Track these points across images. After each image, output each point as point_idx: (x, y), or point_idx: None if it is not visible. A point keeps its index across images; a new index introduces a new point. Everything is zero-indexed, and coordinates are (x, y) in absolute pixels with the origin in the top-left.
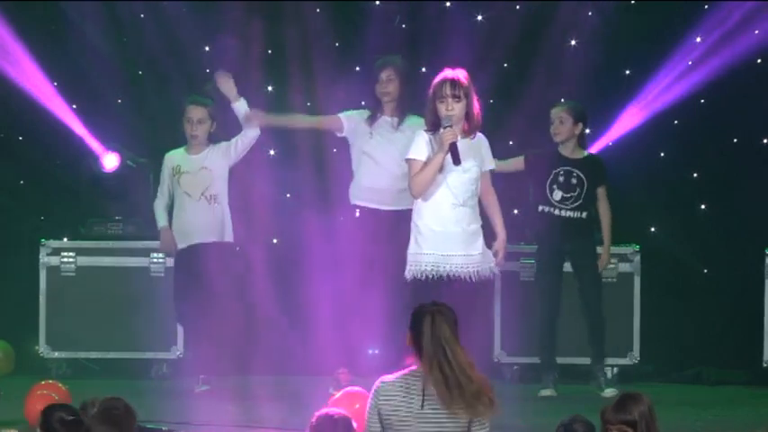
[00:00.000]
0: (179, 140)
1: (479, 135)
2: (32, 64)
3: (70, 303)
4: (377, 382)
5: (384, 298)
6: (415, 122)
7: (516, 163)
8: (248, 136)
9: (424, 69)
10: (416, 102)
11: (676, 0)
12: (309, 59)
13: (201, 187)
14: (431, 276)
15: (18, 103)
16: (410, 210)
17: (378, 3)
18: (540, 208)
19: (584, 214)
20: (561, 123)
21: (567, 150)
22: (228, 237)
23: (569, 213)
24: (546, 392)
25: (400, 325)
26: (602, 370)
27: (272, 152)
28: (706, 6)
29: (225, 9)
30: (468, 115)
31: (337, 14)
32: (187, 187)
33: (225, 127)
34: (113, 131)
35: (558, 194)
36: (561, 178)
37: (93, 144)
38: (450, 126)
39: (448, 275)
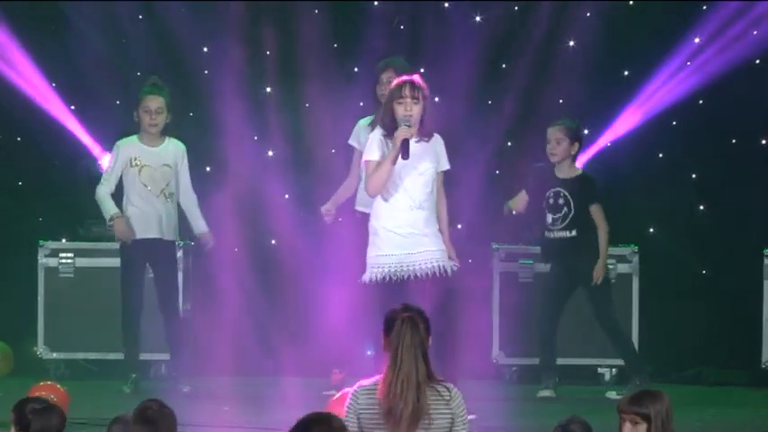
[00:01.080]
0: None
1: (435, 136)
2: (31, 65)
3: (68, 304)
4: (355, 385)
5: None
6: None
7: (523, 199)
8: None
9: (422, 70)
10: None
11: (675, 0)
12: (308, 60)
13: (162, 184)
14: (394, 278)
15: (16, 104)
16: None
17: (376, 4)
18: (543, 233)
19: (574, 232)
20: (558, 144)
21: (562, 170)
22: (176, 236)
23: (560, 234)
24: (545, 393)
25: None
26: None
27: (270, 153)
28: (704, 7)
29: (223, 10)
30: (422, 118)
31: (336, 15)
32: (147, 181)
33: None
34: (111, 132)
35: (549, 217)
36: (551, 200)
37: (92, 145)
38: (408, 126)
39: (415, 275)
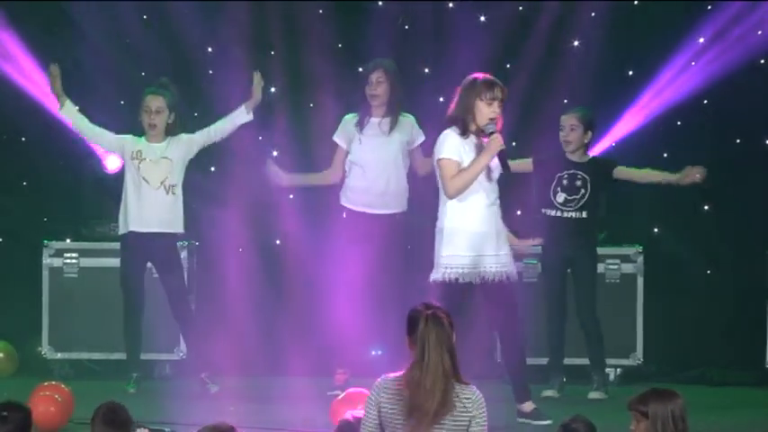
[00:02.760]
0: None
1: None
2: (35, 65)
3: (73, 304)
4: (380, 378)
5: (379, 299)
6: (407, 120)
7: (524, 165)
8: (234, 123)
9: (427, 70)
10: (408, 103)
11: (679, 0)
12: (312, 61)
13: (161, 176)
14: (464, 280)
15: (21, 105)
16: (397, 213)
17: (380, 4)
18: (544, 211)
19: (585, 213)
20: (572, 131)
21: (575, 156)
22: (180, 228)
23: (571, 214)
24: (548, 393)
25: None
26: (600, 373)
27: (275, 153)
28: (709, 7)
29: (228, 10)
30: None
31: (340, 15)
32: (146, 174)
33: (183, 120)
34: (116, 132)
35: (561, 197)
36: (565, 181)
37: (95, 145)
38: (494, 132)
39: (482, 277)
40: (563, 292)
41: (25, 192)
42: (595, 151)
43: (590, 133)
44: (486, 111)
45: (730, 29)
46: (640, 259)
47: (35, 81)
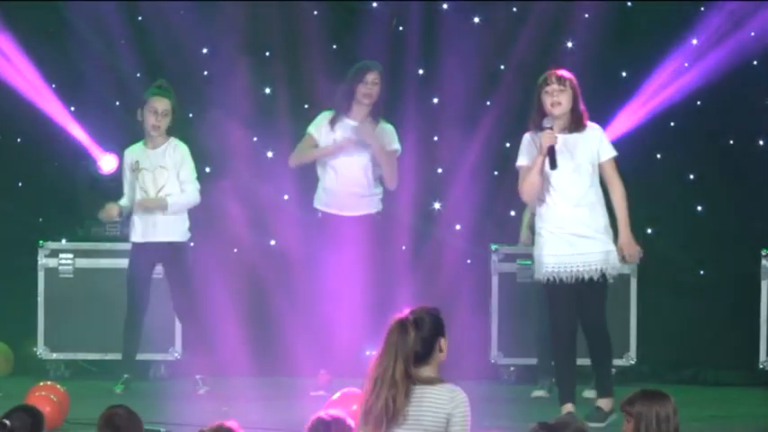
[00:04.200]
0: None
1: (591, 125)
2: (30, 66)
3: (68, 305)
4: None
5: (352, 300)
6: (386, 128)
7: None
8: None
9: (420, 71)
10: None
11: (673, 1)
12: (307, 62)
13: (158, 185)
14: (554, 279)
15: (16, 105)
16: (370, 215)
17: (374, 5)
18: None
19: None
20: None
21: None
22: (182, 236)
23: None
24: (538, 393)
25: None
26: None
27: (269, 154)
28: (702, 8)
29: (223, 11)
30: (573, 107)
31: (334, 17)
32: (144, 184)
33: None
34: (111, 133)
35: None
36: None
37: (92, 146)
38: (551, 128)
39: (574, 278)
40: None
41: (20, 192)
42: None
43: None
44: (547, 101)
45: (723, 30)
46: None
47: (30, 82)
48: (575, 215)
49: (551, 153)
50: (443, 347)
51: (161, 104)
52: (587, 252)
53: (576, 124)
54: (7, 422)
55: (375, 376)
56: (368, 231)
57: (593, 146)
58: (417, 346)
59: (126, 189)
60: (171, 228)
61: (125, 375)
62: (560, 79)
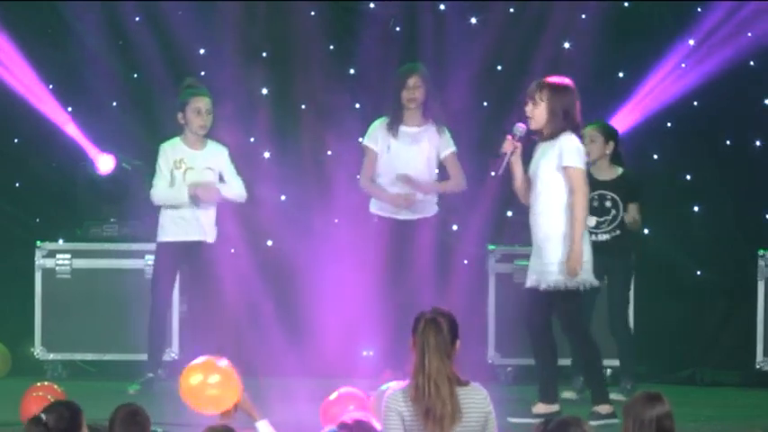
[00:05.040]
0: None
1: (563, 135)
2: (28, 66)
3: (66, 305)
4: (389, 390)
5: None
6: (444, 132)
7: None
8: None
9: None
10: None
11: (670, 1)
12: (304, 62)
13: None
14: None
15: (13, 106)
16: (425, 218)
17: (372, 5)
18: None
19: (619, 231)
20: (592, 142)
21: (601, 170)
22: (214, 237)
23: (604, 237)
24: (567, 394)
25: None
26: (627, 377)
27: (266, 154)
28: (699, 9)
29: (220, 12)
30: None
31: (332, 17)
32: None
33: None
34: (109, 134)
35: (592, 220)
36: (596, 203)
37: (89, 146)
38: (513, 136)
39: (540, 285)
40: (591, 305)
41: (18, 193)
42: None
43: (612, 143)
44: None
45: (720, 30)
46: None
47: (28, 83)
48: (533, 223)
49: (504, 159)
50: (457, 346)
51: (204, 104)
52: (544, 262)
53: (554, 132)
54: (43, 416)
55: (430, 379)
56: (426, 233)
57: (556, 154)
58: (449, 344)
59: (162, 181)
60: (204, 227)
61: (149, 374)
62: (535, 92)
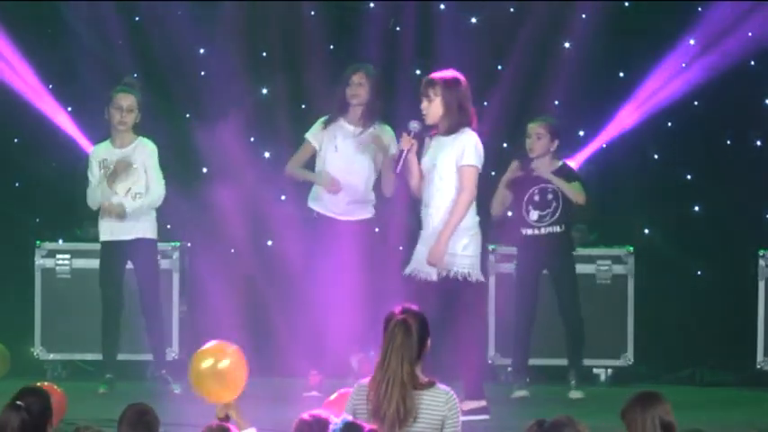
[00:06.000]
0: (174, 143)
1: (460, 131)
2: (27, 66)
3: (65, 305)
4: (355, 384)
5: (345, 302)
6: (385, 131)
7: (504, 197)
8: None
9: (418, 72)
10: (399, 105)
11: (670, 1)
12: (303, 62)
13: (128, 184)
14: (411, 275)
15: (13, 106)
16: (365, 220)
17: (371, 5)
18: (521, 230)
19: (562, 227)
20: (538, 139)
21: (542, 165)
22: (152, 233)
23: (547, 230)
24: (520, 393)
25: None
26: (575, 373)
27: (267, 154)
28: (699, 8)
29: (220, 12)
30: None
31: (331, 17)
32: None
33: (149, 119)
34: (108, 134)
35: (534, 214)
36: (537, 197)
37: (89, 146)
38: (409, 133)
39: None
40: (533, 299)
41: (17, 193)
42: (586, 153)
43: (557, 142)
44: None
45: (720, 30)
46: (631, 260)
47: (28, 82)
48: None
49: (402, 157)
50: (428, 345)
51: (125, 100)
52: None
53: (451, 127)
54: (21, 403)
55: (384, 379)
56: (363, 236)
57: (457, 151)
58: (416, 346)
59: (91, 187)
60: (138, 225)
61: (108, 375)
62: (428, 89)
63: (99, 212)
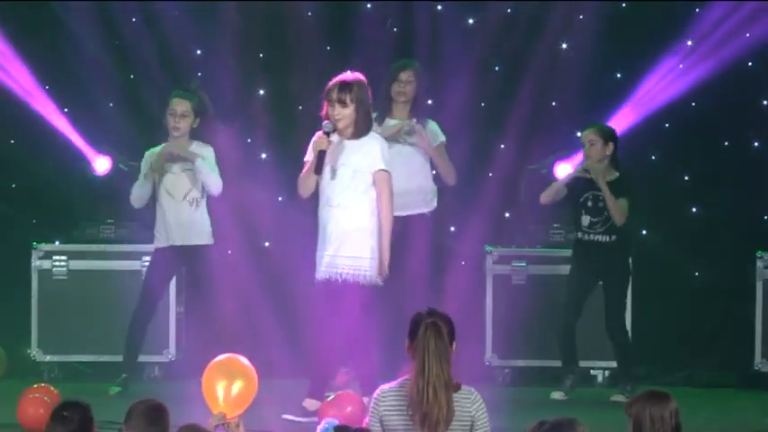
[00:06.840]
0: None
1: (367, 135)
2: (24, 67)
3: (62, 307)
4: (377, 391)
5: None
6: (430, 124)
7: (556, 190)
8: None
9: None
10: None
11: (667, 1)
12: (301, 62)
13: (185, 189)
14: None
15: (10, 107)
16: (417, 215)
17: (369, 6)
18: (576, 234)
19: (613, 237)
20: (592, 145)
21: (598, 171)
22: (208, 239)
23: (598, 237)
24: (556, 395)
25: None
26: (626, 381)
27: (263, 155)
28: (697, 9)
29: (216, 12)
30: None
31: (329, 17)
32: (169, 187)
33: (207, 125)
34: (105, 135)
35: (586, 220)
36: (590, 203)
37: (85, 148)
38: (326, 134)
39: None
40: (585, 293)
41: (14, 194)
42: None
43: (611, 145)
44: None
45: (718, 31)
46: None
47: (24, 83)
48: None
49: (323, 157)
50: (454, 348)
51: (180, 106)
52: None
53: (361, 132)
54: (67, 414)
55: (430, 383)
56: (412, 231)
57: (370, 155)
58: (448, 347)
59: (138, 182)
60: (196, 231)
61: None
62: (344, 93)
63: (140, 213)
